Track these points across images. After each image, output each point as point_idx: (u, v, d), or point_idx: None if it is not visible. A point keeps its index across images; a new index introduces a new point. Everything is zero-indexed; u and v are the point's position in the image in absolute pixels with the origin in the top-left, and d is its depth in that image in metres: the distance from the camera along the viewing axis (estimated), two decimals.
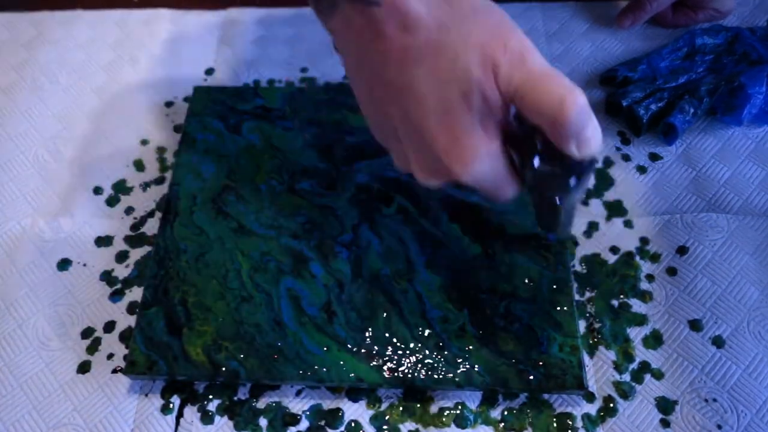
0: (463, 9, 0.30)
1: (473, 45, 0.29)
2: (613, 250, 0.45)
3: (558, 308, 0.40)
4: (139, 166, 0.50)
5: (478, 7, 0.30)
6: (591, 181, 0.33)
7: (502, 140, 0.31)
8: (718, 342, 0.40)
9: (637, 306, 0.42)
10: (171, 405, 0.40)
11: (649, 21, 0.56)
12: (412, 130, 0.32)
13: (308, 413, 0.39)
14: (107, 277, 0.45)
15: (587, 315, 0.42)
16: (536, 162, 0.31)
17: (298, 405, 0.40)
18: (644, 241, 0.45)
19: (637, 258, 0.44)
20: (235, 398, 0.40)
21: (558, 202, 0.33)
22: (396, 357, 0.39)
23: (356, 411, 0.39)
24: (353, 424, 0.39)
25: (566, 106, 0.27)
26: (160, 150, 0.51)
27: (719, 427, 0.38)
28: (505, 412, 0.39)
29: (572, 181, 0.31)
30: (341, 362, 0.39)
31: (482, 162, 0.31)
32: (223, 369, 0.39)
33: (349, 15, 0.31)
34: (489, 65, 0.29)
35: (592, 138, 0.29)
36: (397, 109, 0.32)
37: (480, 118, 0.30)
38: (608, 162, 0.49)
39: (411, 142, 0.33)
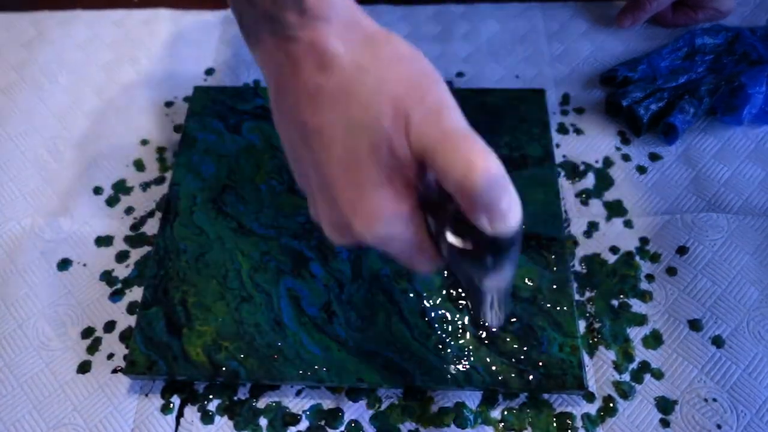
0: (387, 54, 0.28)
1: (387, 94, 0.26)
2: (613, 250, 0.45)
3: (558, 308, 0.40)
4: (139, 166, 0.50)
5: (403, 54, 0.28)
6: (514, 268, 0.28)
7: (415, 204, 0.28)
8: (717, 342, 0.40)
9: (637, 306, 0.42)
10: (171, 405, 0.40)
11: (649, 21, 0.56)
12: (320, 178, 0.29)
13: (308, 413, 0.39)
14: (107, 277, 0.45)
15: (587, 315, 0.42)
16: (448, 234, 0.27)
17: (298, 405, 0.40)
18: (644, 241, 0.45)
19: (637, 258, 0.44)
20: (235, 398, 0.40)
21: (480, 285, 0.28)
22: (396, 357, 0.39)
23: (356, 411, 0.39)
24: (353, 424, 0.39)
25: (474, 174, 0.24)
26: (160, 150, 0.51)
27: (719, 426, 0.38)
28: (505, 412, 0.39)
29: (489, 261, 0.26)
30: (341, 362, 0.39)
31: (388, 224, 0.27)
32: (223, 369, 0.39)
33: (272, 49, 0.29)
34: (401, 118, 0.26)
35: (508, 212, 0.24)
36: (308, 153, 0.29)
37: (388, 174, 0.27)
38: (608, 162, 0.49)
39: (319, 192, 0.30)
